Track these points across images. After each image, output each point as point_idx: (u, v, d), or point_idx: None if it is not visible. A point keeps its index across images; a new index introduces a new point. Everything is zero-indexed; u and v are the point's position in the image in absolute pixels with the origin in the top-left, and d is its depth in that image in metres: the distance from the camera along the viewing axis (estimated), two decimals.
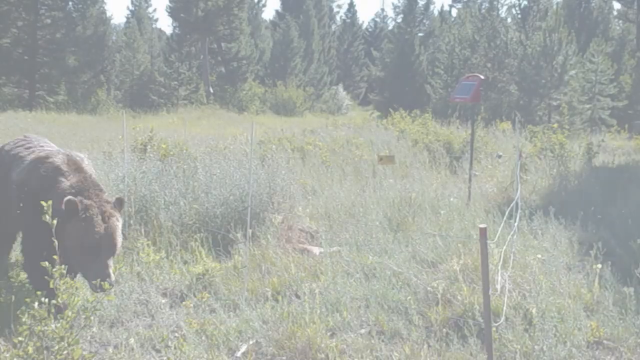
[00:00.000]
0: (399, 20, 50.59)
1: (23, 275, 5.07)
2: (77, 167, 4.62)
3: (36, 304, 3.43)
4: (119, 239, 4.34)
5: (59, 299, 3.39)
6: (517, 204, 6.04)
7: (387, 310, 4.93)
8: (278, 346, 4.33)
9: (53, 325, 3.28)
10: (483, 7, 36.20)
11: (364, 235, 6.71)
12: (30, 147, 4.96)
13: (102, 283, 3.81)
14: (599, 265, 5.33)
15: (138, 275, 5.62)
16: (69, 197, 4.17)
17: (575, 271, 5.72)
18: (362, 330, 4.62)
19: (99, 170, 8.69)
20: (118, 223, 4.37)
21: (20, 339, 3.38)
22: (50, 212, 3.54)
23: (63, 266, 3.57)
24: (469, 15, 36.07)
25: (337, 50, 56.30)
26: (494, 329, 4.13)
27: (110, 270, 4.18)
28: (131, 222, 6.75)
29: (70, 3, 33.66)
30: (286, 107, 36.47)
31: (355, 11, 61.06)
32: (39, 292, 3.37)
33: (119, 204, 4.48)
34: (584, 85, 28.00)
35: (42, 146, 5.02)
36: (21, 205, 4.51)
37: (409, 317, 4.75)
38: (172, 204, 6.98)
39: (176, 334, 4.60)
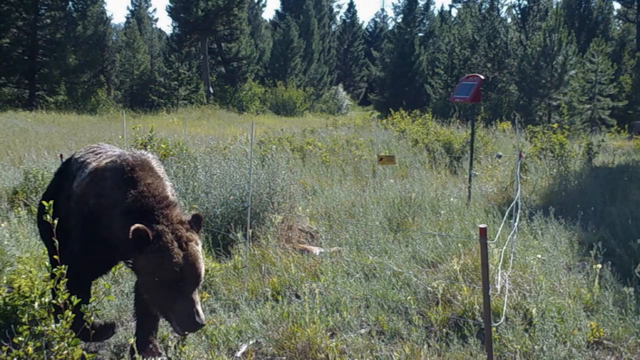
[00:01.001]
0: (399, 20, 50.66)
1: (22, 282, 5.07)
2: (141, 176, 3.74)
3: (36, 304, 3.43)
4: (202, 267, 3.59)
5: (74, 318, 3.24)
6: (517, 204, 6.04)
7: (387, 310, 4.93)
8: (278, 346, 4.33)
9: (53, 326, 3.28)
10: (483, 7, 36.23)
11: (364, 235, 6.71)
12: (99, 154, 4.21)
13: (190, 324, 3.39)
14: (599, 265, 5.33)
15: None
16: (137, 226, 3.38)
17: (575, 271, 5.72)
18: (362, 330, 4.62)
19: None
20: (198, 247, 3.60)
21: (20, 339, 3.38)
22: (51, 212, 3.50)
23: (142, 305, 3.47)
24: (469, 15, 36.10)
25: (337, 50, 56.35)
26: (494, 329, 4.13)
27: (198, 307, 3.48)
28: None
29: (70, 3, 33.69)
30: (286, 107, 36.50)
31: (355, 11, 61.10)
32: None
33: (197, 222, 3.69)
34: (584, 85, 28.01)
35: (114, 153, 4.19)
36: (76, 221, 3.88)
37: (409, 317, 4.75)
38: None
39: (176, 334, 4.60)
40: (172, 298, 3.46)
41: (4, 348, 3.30)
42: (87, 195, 3.82)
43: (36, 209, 7.05)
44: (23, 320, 3.30)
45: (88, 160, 4.13)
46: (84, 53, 33.43)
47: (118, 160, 3.81)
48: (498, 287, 5.02)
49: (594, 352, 4.35)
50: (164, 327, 4.68)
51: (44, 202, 3.45)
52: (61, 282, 3.31)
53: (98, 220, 3.70)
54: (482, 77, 9.25)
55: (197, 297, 3.51)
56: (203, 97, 35.50)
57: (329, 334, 4.52)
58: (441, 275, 5.55)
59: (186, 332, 3.55)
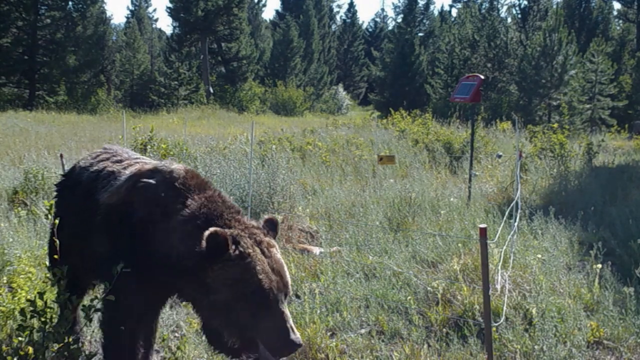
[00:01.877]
0: (399, 20, 50.68)
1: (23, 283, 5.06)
2: (200, 182, 3.30)
3: (36, 304, 3.43)
4: (289, 276, 3.09)
5: None
6: (517, 204, 6.04)
7: (387, 310, 4.93)
8: None
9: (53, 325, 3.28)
10: (483, 7, 36.24)
11: (364, 235, 6.71)
12: (121, 161, 3.66)
13: (285, 344, 2.87)
14: (599, 265, 5.33)
15: None
16: (214, 229, 2.89)
17: (575, 271, 5.72)
18: (362, 330, 4.62)
19: None
20: (279, 253, 3.14)
21: (20, 339, 3.38)
22: (52, 211, 3.47)
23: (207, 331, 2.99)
24: (469, 15, 36.11)
25: (337, 50, 56.36)
26: (494, 329, 4.13)
27: (291, 322, 2.94)
28: None
29: (70, 3, 33.68)
30: (286, 107, 36.49)
31: (355, 11, 61.10)
32: None
33: (272, 226, 3.21)
34: (584, 85, 28.02)
35: (137, 158, 3.74)
36: (112, 239, 3.24)
37: (409, 317, 4.75)
38: None
39: (176, 334, 4.60)
40: (258, 315, 2.89)
41: (5, 348, 3.30)
42: (130, 205, 3.21)
43: (37, 210, 7.06)
44: (23, 320, 3.30)
45: (112, 168, 3.56)
46: (84, 53, 33.43)
47: (168, 165, 3.34)
48: (498, 287, 5.02)
49: (594, 352, 4.35)
50: (163, 327, 4.68)
51: (49, 213, 3.26)
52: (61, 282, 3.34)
53: (148, 235, 3.11)
54: (482, 77, 9.25)
55: (287, 310, 2.96)
56: (203, 97, 35.50)
57: (329, 333, 4.52)
58: (441, 275, 5.55)
59: (279, 356, 2.92)
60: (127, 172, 3.44)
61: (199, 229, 2.95)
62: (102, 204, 3.36)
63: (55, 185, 4.10)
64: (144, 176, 3.29)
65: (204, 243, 2.86)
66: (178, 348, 3.99)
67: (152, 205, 3.15)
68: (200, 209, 3.09)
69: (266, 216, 3.29)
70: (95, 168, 3.65)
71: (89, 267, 3.59)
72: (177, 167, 3.31)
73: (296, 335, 2.88)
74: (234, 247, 2.91)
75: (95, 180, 3.55)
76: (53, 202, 3.62)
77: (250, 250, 2.95)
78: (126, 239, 3.16)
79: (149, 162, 3.60)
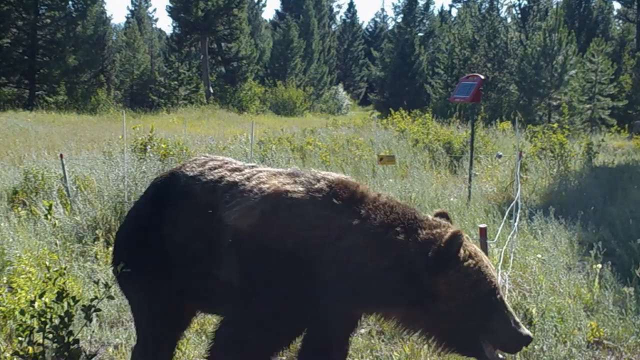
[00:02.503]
0: (399, 20, 50.71)
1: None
2: (353, 188, 2.90)
3: (36, 304, 3.43)
4: None
5: None
6: (517, 204, 6.04)
7: None
8: None
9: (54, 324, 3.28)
10: (483, 7, 36.23)
11: None
12: (239, 169, 3.18)
13: (520, 338, 2.74)
14: (599, 265, 5.33)
15: None
16: (455, 230, 2.70)
17: (575, 271, 5.72)
18: (362, 330, 4.62)
19: (99, 171, 8.73)
20: None
21: (20, 339, 3.38)
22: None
23: None
24: (469, 15, 36.11)
25: (337, 50, 56.36)
26: None
27: (516, 316, 2.81)
28: None
29: (70, 3, 33.70)
30: (286, 107, 36.48)
31: (355, 11, 61.21)
32: None
33: (448, 219, 3.03)
34: (584, 85, 28.02)
35: (253, 166, 3.28)
36: (247, 269, 2.83)
37: None
38: None
39: None
40: (489, 316, 2.72)
41: (5, 348, 3.30)
42: (271, 229, 2.79)
43: (38, 211, 7.05)
44: (23, 320, 3.31)
45: (232, 179, 3.08)
46: (84, 53, 33.43)
47: (309, 181, 2.90)
48: None
49: (594, 352, 4.35)
50: None
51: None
52: None
53: (314, 261, 2.71)
54: (482, 77, 9.25)
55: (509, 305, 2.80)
56: (203, 97, 35.49)
57: None
58: None
59: (515, 351, 2.83)
60: (252, 184, 2.97)
61: (386, 242, 2.68)
62: (230, 226, 2.88)
63: (148, 196, 3.38)
64: (283, 198, 2.84)
65: (439, 248, 2.61)
66: (178, 348, 3.98)
67: (308, 229, 2.74)
68: (383, 215, 2.77)
69: (436, 210, 3.08)
70: (209, 178, 3.13)
71: (200, 293, 3.13)
72: (320, 185, 2.88)
73: (525, 329, 2.75)
74: (465, 252, 2.70)
75: (213, 192, 3.05)
76: (138, 211, 3.31)
77: (472, 248, 2.76)
78: (281, 270, 2.73)
79: (274, 172, 3.08)
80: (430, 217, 2.92)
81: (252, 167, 3.22)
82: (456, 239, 2.62)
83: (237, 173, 3.12)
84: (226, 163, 3.26)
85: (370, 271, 2.69)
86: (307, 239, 2.72)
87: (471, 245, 2.79)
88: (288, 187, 2.87)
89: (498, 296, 2.75)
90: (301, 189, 2.85)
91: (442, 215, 2.97)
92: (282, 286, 2.74)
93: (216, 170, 3.17)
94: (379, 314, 2.92)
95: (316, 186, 2.86)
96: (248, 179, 3.05)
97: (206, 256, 2.98)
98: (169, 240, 3.11)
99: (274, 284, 2.75)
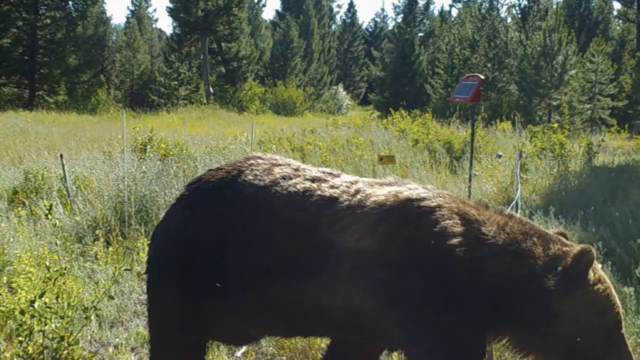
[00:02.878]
0: (399, 20, 50.75)
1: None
2: (465, 204, 2.69)
3: (36, 304, 3.43)
4: None
5: None
6: (517, 204, 6.04)
7: None
8: (278, 346, 4.32)
9: (53, 325, 3.28)
10: (483, 7, 36.23)
11: None
12: (330, 182, 2.81)
13: None
14: (599, 265, 5.31)
15: (138, 275, 5.62)
16: (585, 245, 2.53)
17: None
18: None
19: (99, 171, 8.74)
20: None
21: (20, 339, 3.38)
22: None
23: None
24: (469, 15, 36.11)
25: (337, 50, 56.38)
26: None
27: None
28: (131, 222, 6.75)
29: (70, 3, 33.73)
30: (286, 107, 36.49)
31: (355, 11, 61.29)
32: None
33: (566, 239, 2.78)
34: (584, 85, 28.02)
35: (346, 179, 2.88)
36: (387, 292, 2.49)
37: None
38: None
39: None
40: (609, 349, 2.54)
41: (5, 348, 3.31)
42: (395, 248, 2.49)
43: (38, 211, 7.05)
44: (23, 320, 3.31)
45: (340, 197, 2.69)
46: (84, 53, 33.44)
47: (429, 197, 2.61)
48: None
49: None
50: None
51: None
52: None
53: (448, 274, 2.47)
54: (482, 77, 9.24)
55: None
56: (203, 97, 35.50)
57: None
58: None
59: None
60: (360, 198, 2.65)
61: (535, 246, 2.49)
62: (351, 249, 2.53)
63: (195, 206, 2.89)
64: (410, 207, 2.55)
65: (569, 263, 2.42)
66: None
67: (448, 238, 2.48)
68: (519, 224, 2.57)
69: (555, 230, 2.81)
70: (291, 190, 2.75)
71: (278, 316, 2.80)
72: (439, 191, 2.69)
73: None
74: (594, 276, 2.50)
75: (304, 209, 2.69)
76: (183, 223, 2.84)
77: (601, 272, 2.58)
78: (434, 285, 2.44)
79: (376, 182, 2.81)
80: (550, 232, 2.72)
81: (331, 174, 2.88)
82: (587, 255, 2.44)
83: (327, 186, 2.75)
84: (297, 170, 2.88)
85: (504, 283, 2.47)
86: (449, 249, 2.47)
87: (599, 270, 2.62)
88: (410, 195, 2.59)
89: (621, 331, 2.58)
90: (424, 195, 2.59)
91: (562, 234, 2.74)
92: (439, 300, 2.46)
93: (294, 181, 2.79)
94: (496, 332, 2.67)
95: (439, 192, 2.66)
96: (349, 193, 2.70)
97: (300, 279, 2.61)
98: (228, 257, 2.73)
99: (433, 300, 2.45)
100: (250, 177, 2.83)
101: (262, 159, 3.00)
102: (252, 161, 2.97)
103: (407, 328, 2.46)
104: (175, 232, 2.86)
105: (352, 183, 2.78)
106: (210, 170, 3.05)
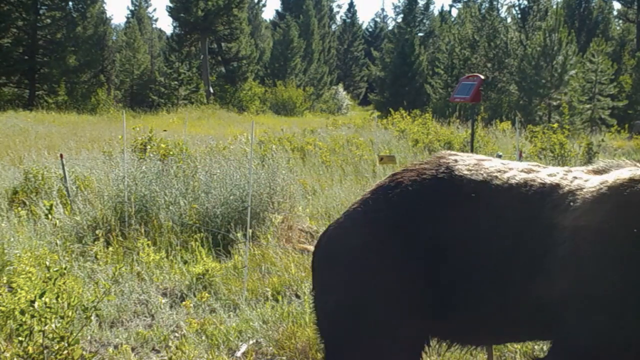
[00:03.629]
0: (399, 20, 50.77)
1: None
2: None
3: (36, 304, 3.43)
4: None
5: None
6: None
7: None
8: (278, 346, 4.32)
9: (53, 325, 3.28)
10: (483, 7, 36.24)
11: None
12: (545, 172, 2.70)
13: None
14: None
15: (138, 275, 5.62)
16: None
17: None
18: None
19: (99, 171, 8.74)
20: None
21: (20, 339, 3.38)
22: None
23: None
24: (469, 15, 36.11)
25: (337, 50, 56.39)
26: None
27: None
28: (131, 222, 6.75)
29: (70, 3, 33.76)
30: (286, 107, 36.50)
31: (355, 11, 61.32)
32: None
33: None
34: (584, 85, 28.03)
35: (542, 166, 2.81)
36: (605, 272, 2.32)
37: None
38: (172, 204, 6.98)
39: (176, 334, 4.61)
40: None
41: (5, 348, 3.30)
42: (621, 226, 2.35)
43: (38, 211, 7.05)
44: (23, 320, 3.31)
45: (560, 184, 2.58)
46: (84, 53, 33.46)
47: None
48: None
49: None
50: (163, 327, 4.68)
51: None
52: None
53: None
54: (482, 77, 9.24)
55: None
56: (203, 97, 35.52)
57: None
58: None
59: None
60: (578, 183, 2.55)
61: None
62: (568, 227, 2.41)
63: (398, 206, 2.67)
64: (631, 193, 2.40)
65: None
66: (178, 348, 3.99)
67: None
68: None
69: None
70: (512, 182, 2.61)
71: (506, 320, 2.59)
72: None
73: None
74: None
75: (527, 201, 2.56)
76: (381, 226, 2.64)
77: None
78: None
79: (590, 170, 2.70)
80: None
81: (537, 166, 2.77)
82: None
83: (544, 175, 2.65)
84: (504, 164, 2.76)
85: None
86: None
87: None
88: (634, 176, 2.45)
89: None
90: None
91: None
92: None
93: (511, 174, 2.66)
94: None
95: None
96: (567, 179, 2.61)
97: (522, 274, 2.46)
98: (450, 258, 2.54)
99: None
100: (465, 173, 2.67)
101: (459, 155, 2.86)
102: (453, 157, 2.80)
103: (610, 310, 2.30)
104: (377, 236, 2.64)
105: (567, 171, 2.69)
106: (404, 171, 2.82)
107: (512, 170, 2.68)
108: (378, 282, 2.55)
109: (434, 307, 2.57)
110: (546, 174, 2.65)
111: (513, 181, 2.60)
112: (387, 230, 2.61)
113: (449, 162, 2.74)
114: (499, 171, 2.67)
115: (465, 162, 2.74)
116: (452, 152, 2.87)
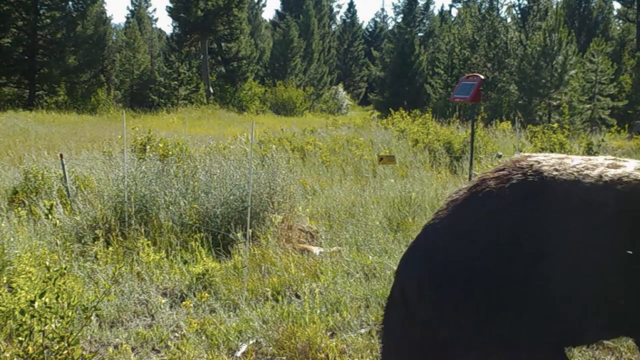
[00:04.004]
0: (399, 20, 50.74)
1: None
2: None
3: (36, 304, 3.43)
4: None
5: None
6: None
7: None
8: (278, 346, 4.32)
9: (53, 325, 3.28)
10: (483, 7, 36.23)
11: (364, 235, 6.70)
12: (622, 165, 2.61)
13: None
14: None
15: (138, 275, 5.62)
16: None
17: None
18: (362, 330, 4.62)
19: (99, 171, 8.74)
20: None
21: (20, 339, 3.38)
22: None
23: None
24: (469, 15, 36.11)
25: (337, 50, 56.39)
26: None
27: None
28: (131, 222, 6.75)
29: (70, 3, 33.72)
30: (286, 107, 36.49)
31: (355, 11, 61.29)
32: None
33: None
34: (584, 85, 28.02)
35: (624, 159, 2.75)
36: None
37: None
38: (172, 204, 6.98)
39: (176, 334, 4.61)
40: None
41: (5, 348, 3.30)
42: None
43: (38, 211, 7.05)
44: (23, 320, 3.31)
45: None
46: (84, 53, 33.45)
47: None
48: None
49: (594, 352, 4.35)
50: (163, 327, 4.68)
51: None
52: None
53: None
54: (482, 77, 9.24)
55: None
56: (203, 97, 35.51)
57: (329, 333, 4.52)
58: None
59: None
60: None
61: None
62: None
63: (485, 215, 2.62)
64: None
65: None
66: (178, 348, 3.99)
67: None
68: None
69: None
70: (605, 180, 2.51)
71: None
72: None
73: None
74: None
75: (619, 199, 2.44)
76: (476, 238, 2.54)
77: None
78: None
79: None
80: None
81: (618, 159, 2.70)
82: None
83: (631, 168, 2.56)
84: (586, 160, 2.67)
85: None
86: None
87: None
88: None
89: None
90: None
91: None
92: None
93: (600, 170, 2.55)
94: None
95: None
96: None
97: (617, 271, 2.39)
98: (549, 264, 2.43)
99: None
100: (555, 174, 2.54)
101: (538, 155, 2.76)
102: (536, 157, 2.70)
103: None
104: (478, 245, 2.55)
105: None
106: (482, 181, 2.75)
107: (600, 166, 2.56)
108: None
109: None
110: (634, 167, 2.55)
111: (607, 178, 2.49)
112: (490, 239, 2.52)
113: (531, 163, 2.64)
114: (587, 168, 2.55)
115: (550, 161, 2.63)
116: (529, 154, 2.77)
